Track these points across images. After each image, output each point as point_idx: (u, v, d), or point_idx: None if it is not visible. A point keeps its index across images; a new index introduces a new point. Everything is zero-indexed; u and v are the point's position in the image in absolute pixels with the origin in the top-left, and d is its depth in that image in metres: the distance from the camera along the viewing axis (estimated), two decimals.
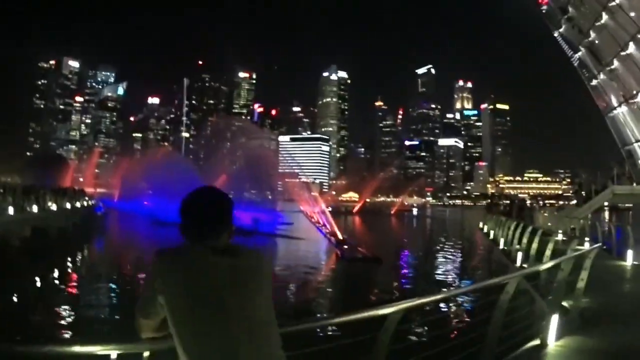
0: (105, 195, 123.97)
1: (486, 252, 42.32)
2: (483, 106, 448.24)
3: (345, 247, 44.27)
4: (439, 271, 37.87)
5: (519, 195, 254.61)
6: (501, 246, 28.90)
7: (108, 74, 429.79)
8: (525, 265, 19.96)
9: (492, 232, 36.92)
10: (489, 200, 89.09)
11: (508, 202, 63.52)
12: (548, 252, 16.82)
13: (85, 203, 63.92)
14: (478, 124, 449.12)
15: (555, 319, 7.98)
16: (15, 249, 29.32)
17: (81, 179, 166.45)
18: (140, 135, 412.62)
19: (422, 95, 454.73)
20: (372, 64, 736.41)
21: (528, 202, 62.08)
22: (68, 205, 50.86)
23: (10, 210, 33.25)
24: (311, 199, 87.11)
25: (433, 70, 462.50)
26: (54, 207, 45.00)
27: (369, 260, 37.65)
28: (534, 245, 19.87)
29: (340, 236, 50.73)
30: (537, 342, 7.94)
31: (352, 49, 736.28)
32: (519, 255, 22.29)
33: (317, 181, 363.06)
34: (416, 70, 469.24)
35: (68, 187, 69.12)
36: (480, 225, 50.05)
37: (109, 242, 54.00)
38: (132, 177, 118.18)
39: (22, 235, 32.15)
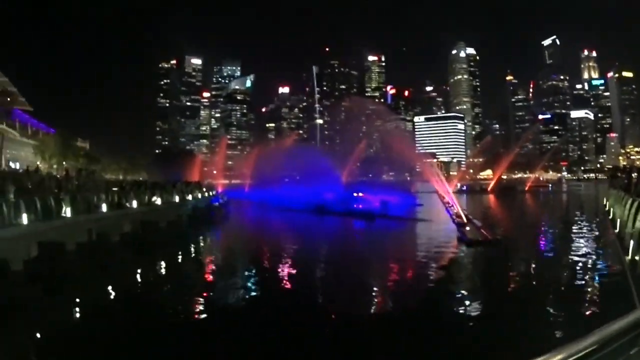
0: (238, 186, 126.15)
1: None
2: (609, 75, 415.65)
3: (467, 228, 41.52)
4: (549, 267, 27.73)
5: None
6: (617, 229, 23.98)
7: (233, 68, 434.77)
8: (637, 258, 16.15)
9: (611, 211, 31.87)
10: (618, 174, 76.16)
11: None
12: None
13: (200, 195, 63.26)
14: (606, 93, 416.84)
15: None
16: (113, 244, 29.59)
17: (214, 172, 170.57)
18: (273, 125, 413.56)
19: (550, 67, 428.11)
20: (498, 38, 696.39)
21: None
22: (177, 199, 50.73)
23: (104, 208, 33.48)
24: (440, 179, 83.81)
25: (558, 41, 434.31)
26: (158, 201, 45.08)
27: (487, 244, 34.89)
28: None
29: (464, 217, 47.47)
30: None
31: (478, 24, 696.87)
32: (631, 243, 17.28)
33: (455, 160, 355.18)
34: (542, 42, 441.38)
35: (178, 181, 67.11)
36: (604, 202, 44.18)
37: (223, 232, 52.21)
38: (261, 167, 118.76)
39: (122, 231, 32.33)
